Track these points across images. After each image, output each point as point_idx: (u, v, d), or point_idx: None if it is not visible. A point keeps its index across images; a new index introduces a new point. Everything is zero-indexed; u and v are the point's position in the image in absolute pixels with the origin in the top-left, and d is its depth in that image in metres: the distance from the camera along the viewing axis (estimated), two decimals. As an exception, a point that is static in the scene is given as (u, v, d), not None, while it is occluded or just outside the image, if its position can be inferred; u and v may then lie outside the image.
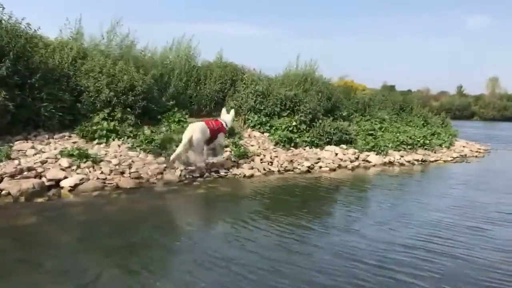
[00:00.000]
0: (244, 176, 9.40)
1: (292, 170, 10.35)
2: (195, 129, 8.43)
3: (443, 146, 15.24)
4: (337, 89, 15.04)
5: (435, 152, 14.18)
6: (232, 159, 10.14)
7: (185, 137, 8.30)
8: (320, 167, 10.95)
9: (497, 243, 5.36)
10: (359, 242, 5.24)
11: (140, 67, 11.22)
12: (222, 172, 9.32)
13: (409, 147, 13.62)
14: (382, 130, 14.87)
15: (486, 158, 15.01)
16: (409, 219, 6.42)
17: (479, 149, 17.03)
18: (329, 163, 11.24)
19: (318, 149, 12.17)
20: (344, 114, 15.40)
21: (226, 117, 9.38)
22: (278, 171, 10.18)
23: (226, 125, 9.26)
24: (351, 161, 11.86)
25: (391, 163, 12.41)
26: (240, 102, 12.92)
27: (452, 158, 13.86)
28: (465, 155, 14.99)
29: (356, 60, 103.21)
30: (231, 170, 9.53)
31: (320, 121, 12.80)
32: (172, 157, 8.35)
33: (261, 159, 10.50)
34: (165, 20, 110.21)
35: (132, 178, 7.99)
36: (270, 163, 10.47)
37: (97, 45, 11.44)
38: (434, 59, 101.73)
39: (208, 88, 13.09)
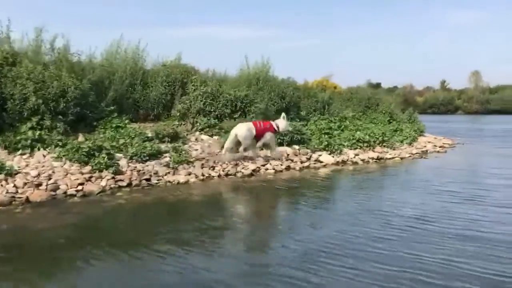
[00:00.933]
0: (178, 183, 8.96)
1: (234, 175, 9.89)
2: (240, 128, 10.11)
3: (404, 142, 14.89)
4: (292, 88, 14.48)
5: (394, 149, 13.81)
6: (170, 166, 9.69)
7: (231, 135, 10.09)
8: (267, 169, 10.52)
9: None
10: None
11: (75, 72, 10.71)
12: (155, 180, 8.88)
13: (365, 145, 13.21)
14: (341, 128, 14.48)
15: (447, 154, 14.66)
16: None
17: (444, 144, 16.71)
18: (277, 165, 10.82)
19: (268, 151, 11.74)
20: (302, 114, 15.02)
21: (280, 121, 10.84)
22: (219, 176, 9.72)
23: (278, 127, 10.65)
24: (302, 162, 11.45)
25: (344, 162, 12.03)
26: (188, 104, 12.45)
27: (410, 155, 13.50)
28: (426, 151, 14.64)
29: (343, 58, 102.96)
30: (165, 177, 9.09)
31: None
32: (224, 150, 10.22)
33: (202, 164, 10.05)
34: (149, 25, 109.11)
35: (48, 191, 7.51)
36: (212, 168, 10.02)
37: (27, 50, 10.88)
38: (419, 55, 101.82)
39: (154, 91, 12.59)
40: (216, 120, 12.38)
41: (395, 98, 67.81)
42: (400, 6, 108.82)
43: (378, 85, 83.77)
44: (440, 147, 15.90)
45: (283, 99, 13.69)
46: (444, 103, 64.58)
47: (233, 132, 10.05)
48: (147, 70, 13.32)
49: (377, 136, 13.99)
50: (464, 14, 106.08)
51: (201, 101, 12.45)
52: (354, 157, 12.40)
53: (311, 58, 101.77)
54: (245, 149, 10.30)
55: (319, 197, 8.10)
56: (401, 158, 13.06)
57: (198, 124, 12.22)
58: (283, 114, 11.12)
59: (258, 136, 10.29)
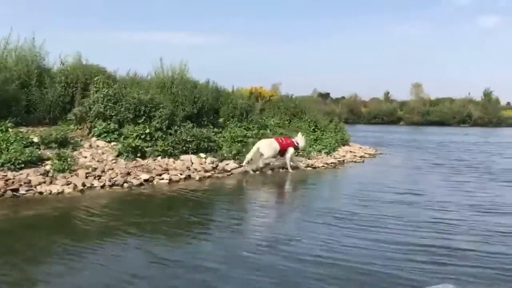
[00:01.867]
0: (51, 193, 8.05)
1: (122, 185, 9.04)
2: (262, 143, 11.51)
3: (322, 152, 14.53)
4: (208, 93, 13.79)
5: (309, 159, 13.39)
6: (50, 174, 8.75)
7: (253, 149, 11.31)
8: (162, 179, 9.76)
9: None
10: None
11: None
12: (23, 191, 7.91)
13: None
14: (258, 137, 13.89)
15: (363, 164, 14.40)
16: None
17: (366, 154, 16.53)
18: (175, 174, 10.08)
19: (171, 159, 10.99)
20: (220, 121, 14.36)
21: (299, 138, 12.30)
22: (103, 186, 8.85)
23: (298, 143, 12.03)
24: (206, 171, 10.77)
25: (253, 170, 11.43)
26: (87, 107, 11.51)
27: (324, 165, 13.10)
28: (343, 161, 14.32)
29: (293, 67, 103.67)
30: (37, 188, 8.14)
31: (177, 127, 11.63)
32: (244, 162, 11.25)
33: (87, 173, 9.15)
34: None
35: None
36: (98, 177, 9.14)
37: None
38: (367, 66, 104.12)
39: (51, 92, 11.56)
40: (117, 125, 11.49)
41: (341, 108, 69.52)
42: (349, 18, 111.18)
43: (327, 95, 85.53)
44: (360, 157, 15.66)
45: (195, 104, 12.93)
46: (387, 114, 65.89)
47: (256, 147, 11.31)
48: (46, 70, 12.25)
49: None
50: (409, 28, 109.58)
51: (101, 104, 11.53)
52: (264, 166, 11.84)
53: (261, 66, 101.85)
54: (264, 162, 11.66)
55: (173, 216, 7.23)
56: (314, 168, 12.64)
57: (96, 129, 11.29)
58: (299, 133, 12.75)
59: (282, 151, 11.65)
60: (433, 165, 13.54)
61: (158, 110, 11.75)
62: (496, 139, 29.24)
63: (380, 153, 17.60)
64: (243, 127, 14.09)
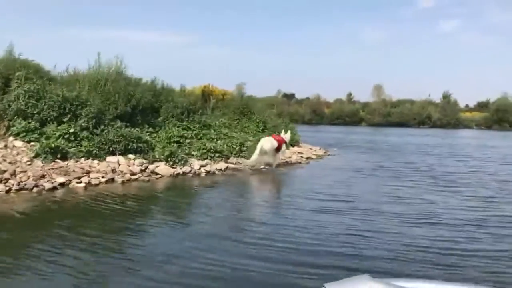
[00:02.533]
0: None
1: (31, 189, 8.22)
2: (265, 141, 12.19)
3: (268, 153, 14.01)
4: (143, 90, 13.04)
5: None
6: None
7: (258, 147, 12.04)
8: (80, 182, 8.98)
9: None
10: None
11: None
12: None
13: (217, 155, 12.07)
14: (199, 137, 13.26)
15: (308, 166, 13.98)
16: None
17: (314, 155, 16.16)
18: (96, 177, 9.32)
19: (96, 161, 10.21)
20: (159, 120, 13.63)
21: (288, 135, 13.40)
22: (8, 190, 8.02)
23: (286, 139, 13.03)
24: (133, 174, 10.04)
25: (184, 174, 10.77)
26: (6, 104, 10.59)
27: (264, 167, 12.55)
28: (287, 162, 13.85)
29: (259, 68, 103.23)
30: None
31: (104, 127, 10.85)
32: (251, 162, 12.00)
33: (-8, 176, 8.29)
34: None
35: None
36: (4, 181, 8.28)
37: None
38: (332, 68, 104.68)
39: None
40: (39, 124, 10.62)
41: (304, 109, 69.51)
42: (314, 19, 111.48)
43: (292, 96, 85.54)
44: (306, 158, 15.25)
45: (128, 102, 12.16)
46: (350, 115, 66.30)
47: (258, 145, 12.09)
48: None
49: (235, 146, 12.95)
50: (373, 30, 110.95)
51: (22, 101, 10.64)
52: (200, 169, 11.20)
53: (226, 66, 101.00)
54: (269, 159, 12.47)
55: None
56: (254, 170, 12.09)
57: (14, 128, 10.39)
58: (289, 130, 13.92)
59: (278, 148, 12.42)
60: (377, 168, 13.16)
61: (85, 108, 10.93)
62: (452, 141, 29.51)
63: (329, 154, 17.28)
64: (182, 127, 13.39)
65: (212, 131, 14.48)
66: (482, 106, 66.45)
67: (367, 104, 69.24)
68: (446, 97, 64.03)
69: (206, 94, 23.18)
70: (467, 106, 72.98)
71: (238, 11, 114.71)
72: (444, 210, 7.43)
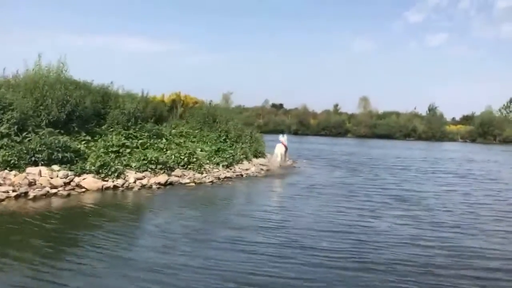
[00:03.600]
0: None
1: None
2: (279, 147, 16.80)
3: (221, 165, 12.86)
4: (78, 95, 11.84)
5: (201, 173, 11.69)
6: None
7: (277, 153, 16.59)
8: (-14, 196, 7.77)
9: None
10: None
11: None
12: None
13: (160, 167, 10.89)
14: (145, 146, 12.10)
15: (261, 179, 12.84)
16: None
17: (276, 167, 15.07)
18: (6, 191, 8.14)
19: (14, 172, 9.01)
20: (104, 127, 12.47)
21: (284, 138, 17.48)
22: None
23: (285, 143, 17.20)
24: (54, 187, 8.87)
25: (115, 188, 9.59)
26: None
27: (215, 180, 11.41)
28: (242, 174, 12.76)
29: (247, 77, 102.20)
30: None
31: (28, 134, 9.67)
32: (279, 164, 15.93)
33: None
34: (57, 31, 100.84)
35: None
36: None
37: None
38: (321, 78, 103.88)
39: None
40: (-47, 129, 9.42)
41: (290, 119, 68.56)
42: (302, 30, 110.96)
43: (280, 106, 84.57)
44: (266, 170, 14.15)
45: (63, 108, 10.98)
46: (336, 126, 65.35)
47: (277, 151, 16.71)
48: None
49: (183, 157, 11.80)
50: (364, 42, 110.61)
51: None
52: (135, 182, 10.02)
53: (216, 75, 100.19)
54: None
55: None
56: (197, 183, 10.93)
57: None
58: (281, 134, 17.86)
59: (286, 149, 17.25)
60: (334, 185, 11.86)
61: (6, 113, 9.75)
62: (435, 154, 28.54)
63: (294, 167, 16.18)
64: (127, 135, 12.22)
65: (164, 140, 13.33)
66: (467, 119, 65.84)
67: (353, 116, 68.42)
68: (431, 110, 63.40)
69: (176, 102, 22.18)
70: (453, 119, 72.34)
71: (226, 20, 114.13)
72: (377, 249, 5.92)
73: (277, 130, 67.13)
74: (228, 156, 13.54)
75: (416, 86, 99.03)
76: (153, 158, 10.86)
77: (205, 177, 11.52)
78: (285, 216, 8.00)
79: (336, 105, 73.52)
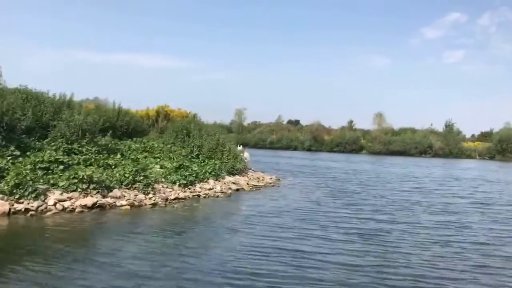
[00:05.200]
0: None
1: None
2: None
3: (177, 183, 11.13)
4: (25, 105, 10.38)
5: (147, 193, 9.98)
6: None
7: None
8: None
9: None
10: None
11: None
12: None
13: (93, 186, 9.19)
14: (90, 162, 10.49)
15: (220, 201, 11.01)
16: None
17: (252, 185, 13.35)
18: None
19: None
20: (45, 141, 10.94)
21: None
22: None
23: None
24: None
25: (27, 211, 7.94)
26: None
27: (155, 202, 9.67)
28: (199, 195, 10.96)
29: (262, 94, 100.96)
30: None
31: None
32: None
33: None
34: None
35: None
36: None
37: None
38: (337, 95, 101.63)
39: None
40: None
41: (304, 135, 66.52)
42: (318, 48, 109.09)
43: (296, 122, 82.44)
44: (236, 190, 12.41)
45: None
46: (350, 143, 62.85)
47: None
48: None
49: (127, 175, 10.10)
50: (379, 59, 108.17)
51: None
52: (55, 205, 8.35)
53: (232, 91, 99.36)
54: None
55: None
56: (137, 206, 9.22)
57: None
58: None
59: None
60: (281, 213, 9.55)
61: None
62: (450, 173, 25.96)
63: (273, 185, 14.35)
64: (68, 149, 10.64)
65: (118, 156, 11.70)
66: (485, 136, 62.54)
67: (368, 132, 65.89)
68: (448, 126, 60.47)
69: (160, 114, 20.71)
70: (473, 136, 68.95)
71: (241, 38, 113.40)
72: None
73: (291, 146, 65.92)
74: (189, 173, 11.79)
75: (432, 103, 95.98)
76: (85, 177, 9.17)
77: (150, 198, 9.79)
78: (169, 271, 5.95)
79: (350, 121, 70.99)
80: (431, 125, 64.23)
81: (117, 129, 15.16)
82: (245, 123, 69.76)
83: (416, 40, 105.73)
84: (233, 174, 14.33)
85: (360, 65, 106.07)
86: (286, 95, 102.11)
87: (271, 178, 15.72)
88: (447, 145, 56.34)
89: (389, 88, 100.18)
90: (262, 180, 15.06)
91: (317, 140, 64.97)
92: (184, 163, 12.40)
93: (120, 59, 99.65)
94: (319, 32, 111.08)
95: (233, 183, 13.17)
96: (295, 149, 63.57)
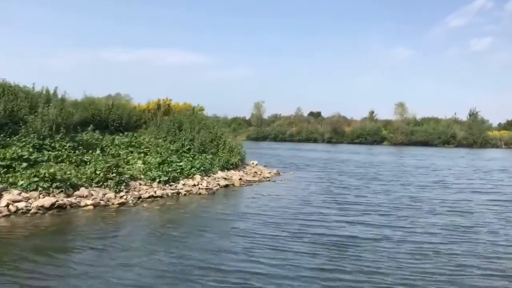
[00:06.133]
0: None
1: None
2: None
3: (158, 180, 10.19)
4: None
5: (117, 191, 9.08)
6: None
7: None
8: None
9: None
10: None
11: None
12: None
13: (57, 185, 8.33)
14: (61, 159, 9.68)
15: (206, 198, 9.96)
16: None
17: (246, 180, 12.34)
18: None
19: None
20: (15, 137, 10.15)
21: None
22: None
23: None
24: None
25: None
26: None
27: (123, 202, 8.73)
28: (179, 192, 9.98)
29: (282, 86, 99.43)
30: None
31: None
32: None
33: None
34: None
35: None
36: None
37: None
38: (359, 87, 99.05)
39: None
40: None
41: (324, 127, 64.87)
42: (340, 35, 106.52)
43: (318, 114, 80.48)
44: (226, 186, 11.36)
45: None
46: (371, 134, 60.88)
47: None
48: None
49: (98, 172, 9.22)
50: (401, 51, 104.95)
51: None
52: (7, 206, 7.53)
53: (253, 84, 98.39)
54: None
55: None
56: (103, 205, 8.32)
57: None
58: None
59: None
60: (277, 214, 8.63)
61: None
62: (471, 163, 24.32)
63: (269, 180, 13.28)
64: (39, 145, 9.83)
65: (98, 152, 10.84)
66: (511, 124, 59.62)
67: (389, 122, 63.62)
68: (472, 115, 57.78)
69: (161, 107, 19.84)
70: (499, 124, 65.73)
71: (261, 30, 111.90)
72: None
73: (311, 139, 64.27)
74: (173, 169, 10.84)
75: (457, 92, 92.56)
76: (47, 175, 8.32)
77: (121, 197, 8.88)
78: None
79: (372, 112, 68.68)
80: (455, 114, 61.73)
81: (109, 124, 14.39)
82: (266, 116, 68.32)
83: (440, 29, 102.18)
84: (228, 169, 13.32)
85: (383, 56, 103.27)
86: (306, 87, 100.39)
87: (269, 173, 14.64)
88: (471, 135, 53.83)
89: (411, 78, 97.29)
90: (260, 174, 14.00)
91: (337, 132, 63.17)
92: (169, 159, 11.44)
93: (143, 55, 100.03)
94: (341, 23, 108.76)
95: (225, 178, 12.16)
96: (315, 141, 62.04)
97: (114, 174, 9.33)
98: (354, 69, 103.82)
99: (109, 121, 14.39)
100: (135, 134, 14.15)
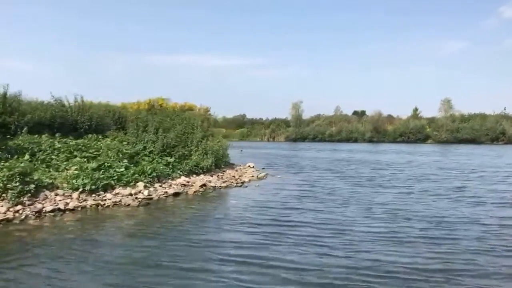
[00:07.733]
0: None
1: None
2: None
3: (83, 188, 8.34)
4: None
5: (16, 204, 7.29)
6: None
7: None
8: None
9: None
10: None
11: None
12: None
13: None
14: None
15: (141, 209, 7.97)
16: None
17: (228, 184, 10.20)
18: None
19: None
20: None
21: None
22: None
23: None
24: None
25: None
26: None
27: (4, 218, 6.87)
28: (99, 204, 8.03)
29: (325, 85, 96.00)
30: None
31: None
32: None
33: None
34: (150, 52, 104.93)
35: None
36: None
37: None
38: (408, 84, 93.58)
39: None
40: None
41: (364, 126, 61.11)
42: (385, 34, 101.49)
43: (362, 113, 76.25)
44: (173, 195, 9.31)
45: None
46: (414, 132, 56.47)
47: None
48: None
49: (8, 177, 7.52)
50: (452, 44, 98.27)
51: None
52: None
53: (291, 86, 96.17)
54: None
55: None
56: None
57: None
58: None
59: None
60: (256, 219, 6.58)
61: None
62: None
63: (240, 186, 11.10)
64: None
65: (27, 157, 9.17)
66: None
67: (433, 120, 58.83)
68: (525, 109, 52.07)
69: (154, 107, 18.24)
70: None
71: (305, 32, 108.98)
72: None
73: (351, 138, 60.63)
74: (108, 176, 8.95)
75: (507, 85, 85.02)
76: None
77: (17, 211, 7.10)
78: None
79: (416, 109, 63.69)
80: (504, 109, 55.93)
81: (79, 126, 12.92)
82: (306, 116, 65.46)
83: (493, 20, 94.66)
84: (197, 173, 11.32)
85: (431, 50, 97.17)
86: (348, 86, 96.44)
87: (252, 176, 12.48)
88: (523, 130, 48.49)
89: (460, 72, 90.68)
90: (237, 179, 11.88)
91: (378, 131, 59.36)
92: (106, 164, 9.54)
93: (186, 59, 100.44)
94: (388, 17, 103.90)
95: (184, 185, 10.16)
96: (355, 141, 58.52)
97: (17, 184, 7.56)
98: (400, 64, 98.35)
99: (78, 123, 12.93)
100: (99, 137, 12.48)
